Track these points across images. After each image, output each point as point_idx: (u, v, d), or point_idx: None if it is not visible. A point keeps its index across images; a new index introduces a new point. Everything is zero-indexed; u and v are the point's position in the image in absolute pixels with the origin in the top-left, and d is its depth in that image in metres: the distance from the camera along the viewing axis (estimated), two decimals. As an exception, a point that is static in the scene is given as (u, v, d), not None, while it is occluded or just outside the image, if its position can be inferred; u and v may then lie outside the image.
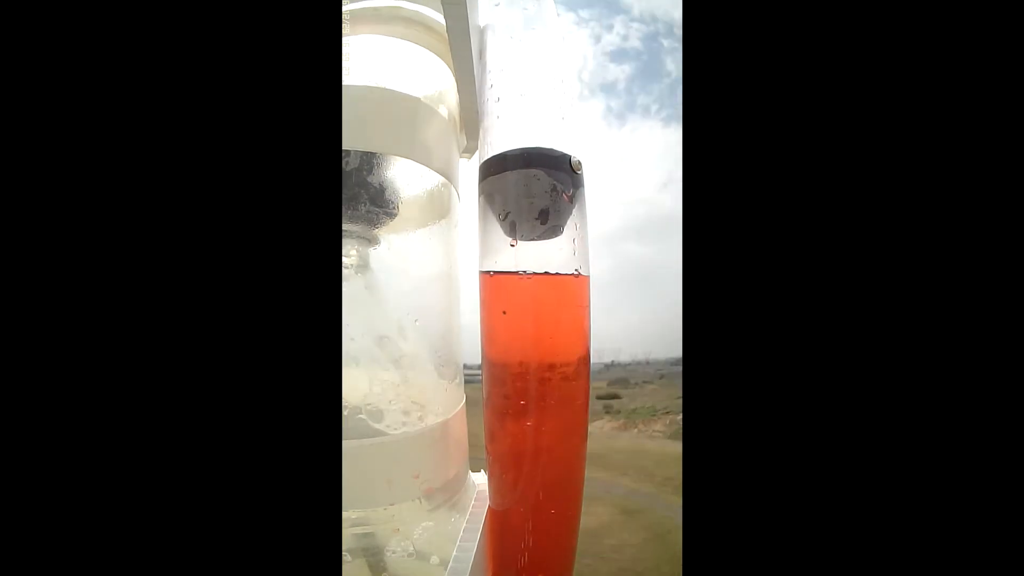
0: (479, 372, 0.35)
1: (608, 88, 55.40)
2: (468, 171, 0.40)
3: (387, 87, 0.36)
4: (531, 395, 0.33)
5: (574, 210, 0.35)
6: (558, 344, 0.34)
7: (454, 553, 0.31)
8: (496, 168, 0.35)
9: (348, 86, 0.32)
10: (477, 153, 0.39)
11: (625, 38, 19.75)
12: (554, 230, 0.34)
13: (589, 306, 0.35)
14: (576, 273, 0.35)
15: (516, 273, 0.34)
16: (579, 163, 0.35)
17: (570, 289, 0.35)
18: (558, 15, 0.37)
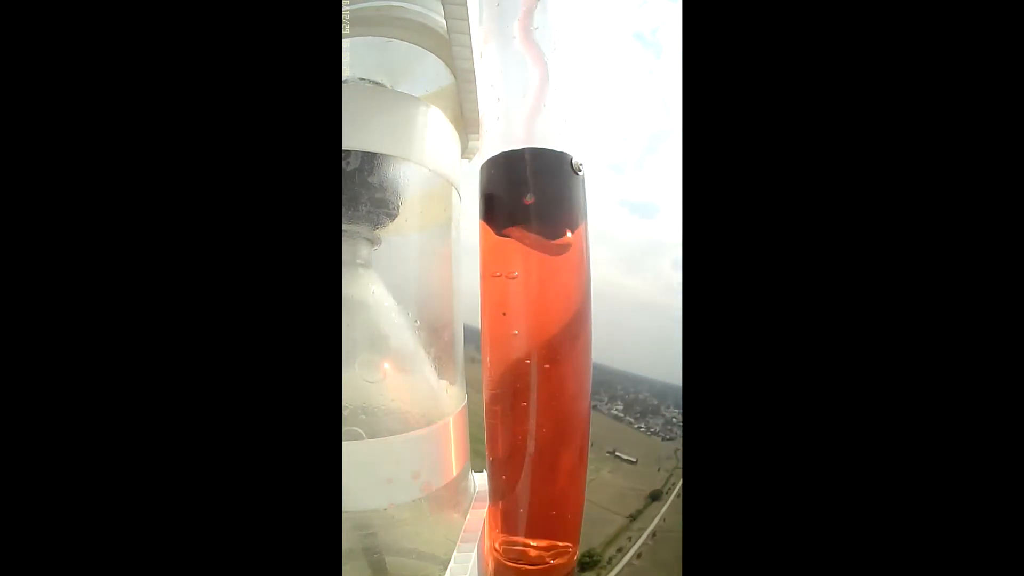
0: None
1: None
2: (468, 171, 0.40)
3: (387, 87, 0.36)
4: (531, 393, 0.33)
5: (575, 208, 0.35)
6: (558, 339, 0.34)
7: (454, 553, 0.31)
8: (497, 168, 0.36)
9: (348, 86, 0.33)
10: (477, 154, 0.39)
11: None
12: (554, 229, 0.34)
13: (590, 305, 0.35)
14: (575, 273, 0.35)
15: (515, 275, 0.34)
16: (580, 164, 0.35)
17: (569, 288, 0.35)
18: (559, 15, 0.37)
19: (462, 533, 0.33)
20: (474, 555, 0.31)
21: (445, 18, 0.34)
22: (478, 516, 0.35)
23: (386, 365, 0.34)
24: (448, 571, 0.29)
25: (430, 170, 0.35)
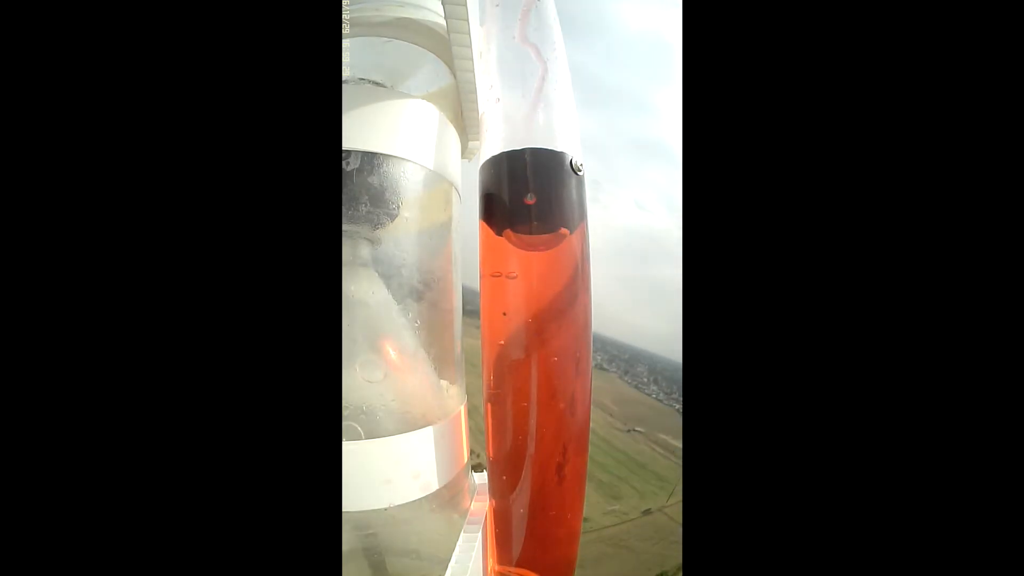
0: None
1: None
2: (468, 171, 0.40)
3: (388, 88, 0.36)
4: (531, 392, 0.33)
5: (575, 208, 0.35)
6: (558, 339, 0.34)
7: (454, 553, 0.31)
8: (497, 169, 0.35)
9: (348, 86, 0.33)
10: (477, 154, 0.39)
11: None
12: (554, 228, 0.34)
13: (589, 303, 0.35)
14: (575, 273, 0.35)
15: (515, 274, 0.34)
16: (580, 164, 0.35)
17: (570, 288, 0.35)
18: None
19: (462, 533, 0.33)
20: (474, 555, 0.31)
21: (445, 18, 0.34)
22: (478, 516, 0.35)
23: (386, 364, 0.34)
24: (448, 571, 0.29)
25: (430, 170, 0.35)
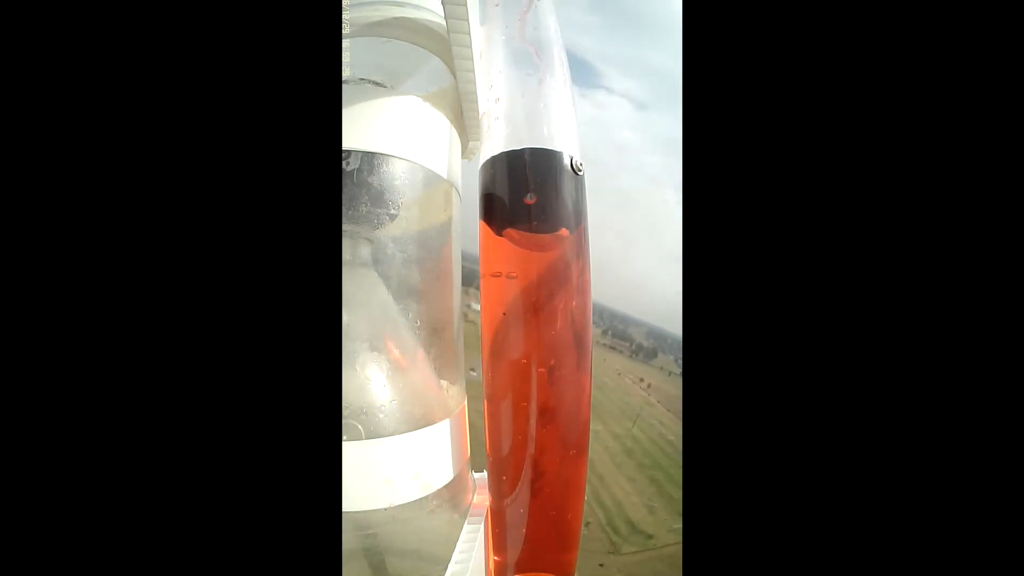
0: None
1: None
2: (468, 171, 0.40)
3: (388, 88, 0.36)
4: (531, 392, 0.33)
5: (575, 208, 0.35)
6: (558, 340, 0.34)
7: (455, 553, 0.31)
8: (497, 168, 0.35)
9: (348, 87, 0.33)
10: (477, 154, 0.39)
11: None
12: (554, 229, 0.34)
13: (589, 304, 0.35)
14: (575, 273, 0.35)
15: (515, 274, 0.34)
16: (580, 164, 0.35)
17: (569, 288, 0.35)
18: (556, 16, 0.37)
19: (463, 532, 0.33)
20: (475, 554, 0.31)
21: (445, 18, 0.34)
22: (478, 516, 0.35)
23: (386, 364, 0.34)
24: (448, 571, 0.29)
25: (430, 170, 0.35)
